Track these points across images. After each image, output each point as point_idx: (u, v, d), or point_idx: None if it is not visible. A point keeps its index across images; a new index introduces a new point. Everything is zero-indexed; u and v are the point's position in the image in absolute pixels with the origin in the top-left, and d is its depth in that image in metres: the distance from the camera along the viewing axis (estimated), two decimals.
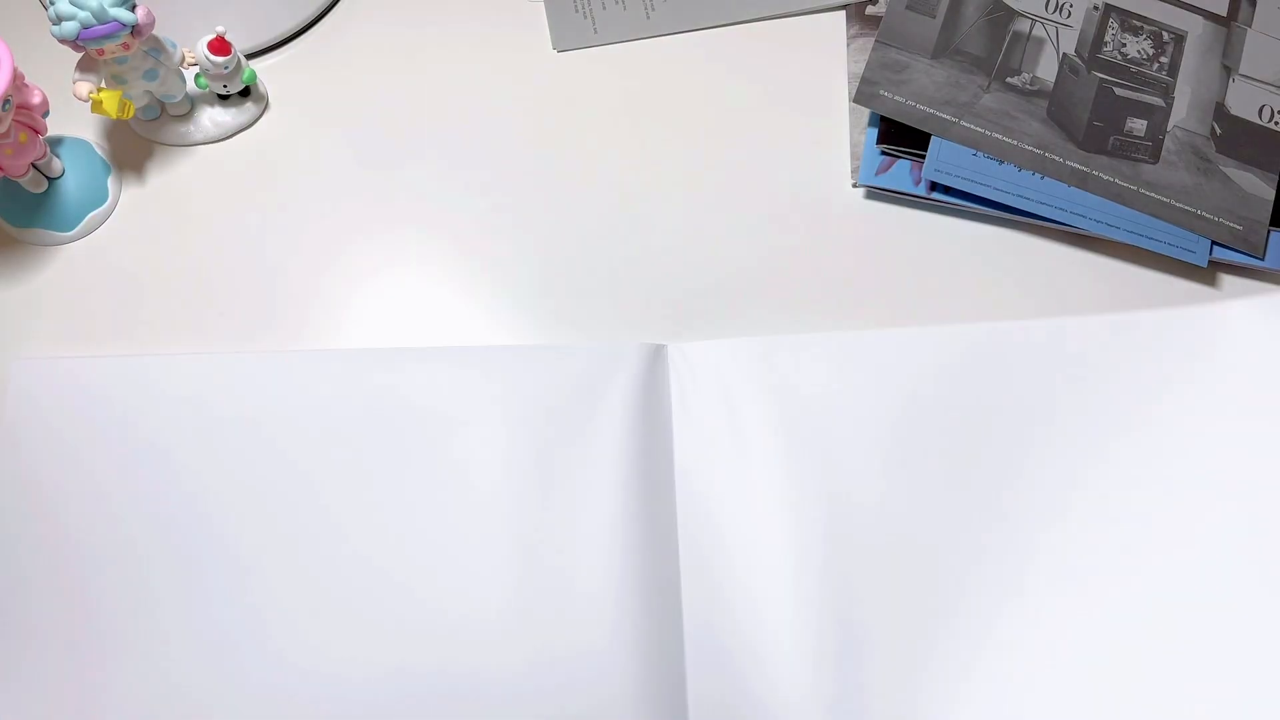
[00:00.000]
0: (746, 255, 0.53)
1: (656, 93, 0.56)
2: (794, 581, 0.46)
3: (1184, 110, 0.50)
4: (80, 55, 0.49)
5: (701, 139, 0.55)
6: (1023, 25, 0.51)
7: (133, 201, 0.54)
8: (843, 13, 0.58)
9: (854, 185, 0.54)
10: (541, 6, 0.57)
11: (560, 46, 0.56)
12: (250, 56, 0.56)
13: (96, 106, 0.49)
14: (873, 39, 0.55)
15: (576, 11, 0.56)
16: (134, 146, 0.55)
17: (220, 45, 0.51)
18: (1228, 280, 0.52)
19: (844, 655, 0.45)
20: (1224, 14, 0.51)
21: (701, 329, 0.51)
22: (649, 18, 0.56)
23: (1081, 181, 0.48)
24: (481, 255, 0.53)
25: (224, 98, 0.55)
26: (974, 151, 0.51)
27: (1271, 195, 0.50)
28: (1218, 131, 0.50)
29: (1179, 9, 0.50)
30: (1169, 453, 0.47)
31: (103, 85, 0.50)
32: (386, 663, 0.45)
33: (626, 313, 0.52)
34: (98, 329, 0.51)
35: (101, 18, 0.45)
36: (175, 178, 0.54)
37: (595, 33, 0.56)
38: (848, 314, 0.51)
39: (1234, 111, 0.50)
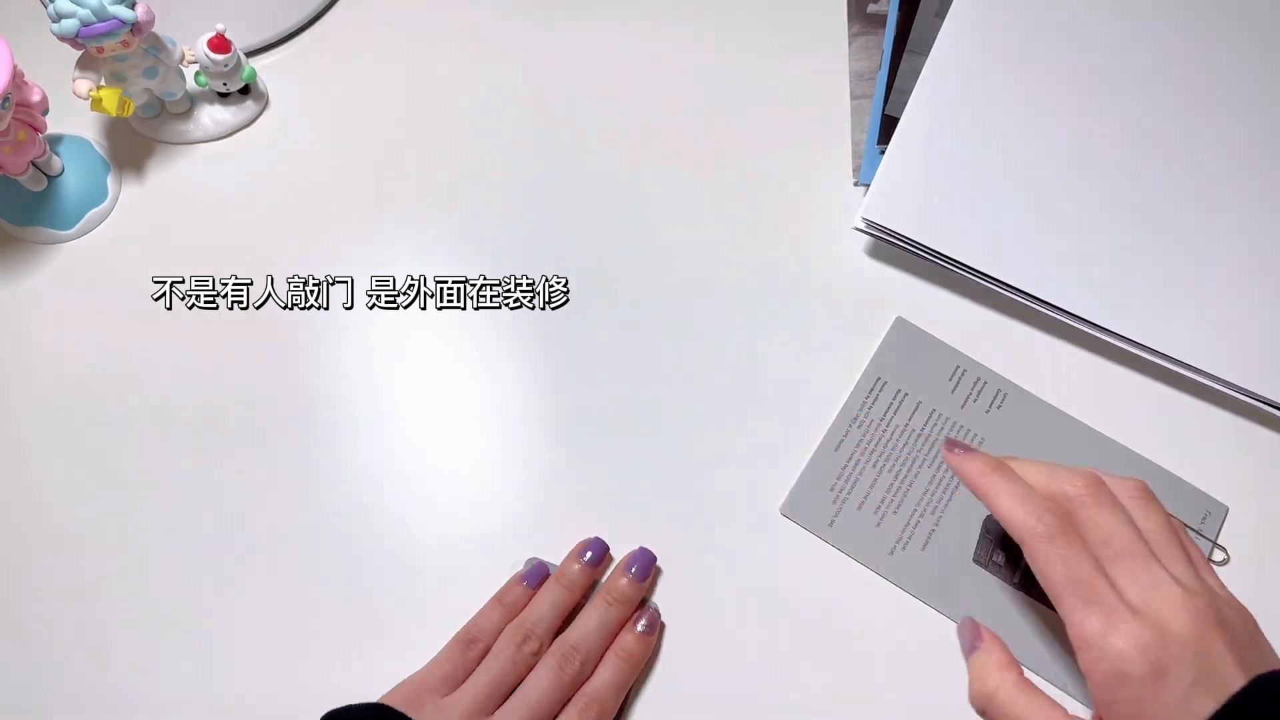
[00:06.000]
0: (746, 255, 0.53)
1: (657, 92, 0.56)
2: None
3: None
4: (80, 53, 0.49)
5: (701, 138, 0.55)
6: None
7: (132, 200, 0.53)
8: (843, 13, 0.58)
9: (855, 184, 0.54)
10: None
11: None
12: (250, 54, 0.56)
13: (96, 104, 0.49)
14: (874, 37, 0.54)
15: None
16: (134, 144, 0.54)
17: (220, 43, 0.51)
18: None
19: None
20: None
21: (698, 323, 0.51)
22: None
23: None
24: (483, 251, 0.53)
25: (224, 96, 0.55)
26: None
27: None
28: None
29: None
30: None
31: (102, 83, 0.50)
32: None
33: (624, 296, 0.51)
34: (97, 328, 0.51)
35: (101, 15, 0.45)
36: (175, 176, 0.54)
37: None
38: (849, 312, 0.51)
39: None
